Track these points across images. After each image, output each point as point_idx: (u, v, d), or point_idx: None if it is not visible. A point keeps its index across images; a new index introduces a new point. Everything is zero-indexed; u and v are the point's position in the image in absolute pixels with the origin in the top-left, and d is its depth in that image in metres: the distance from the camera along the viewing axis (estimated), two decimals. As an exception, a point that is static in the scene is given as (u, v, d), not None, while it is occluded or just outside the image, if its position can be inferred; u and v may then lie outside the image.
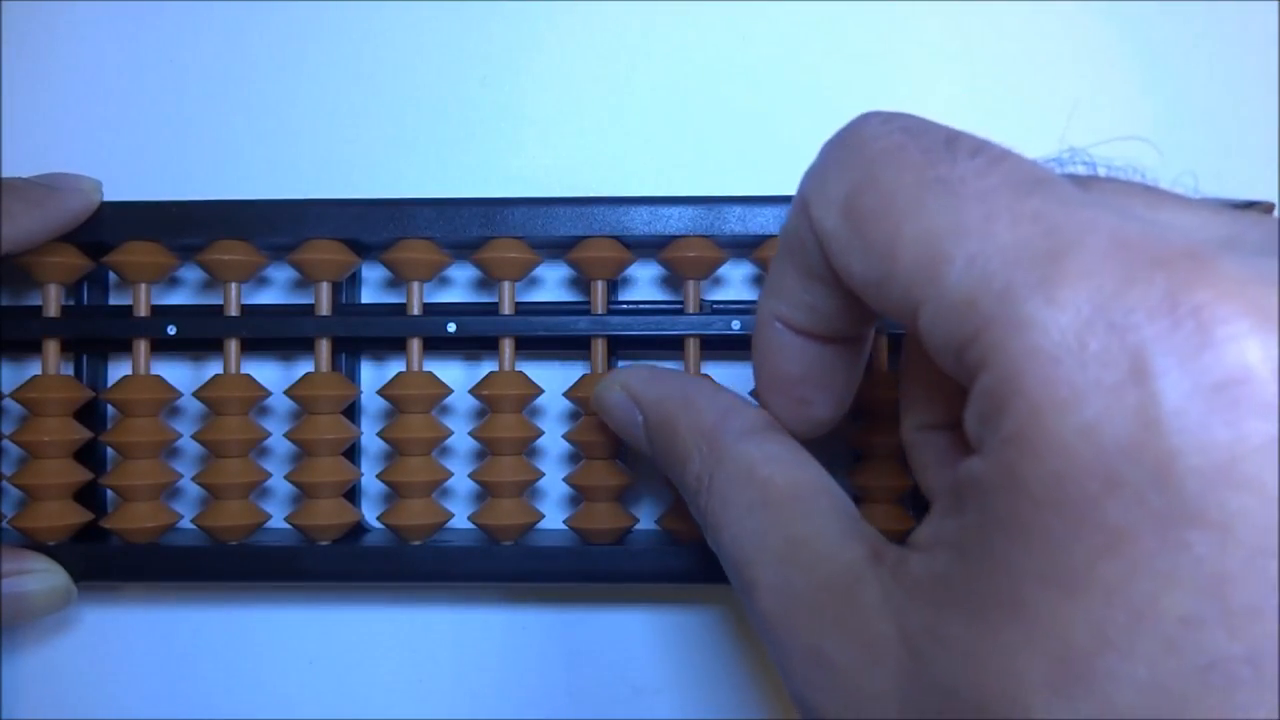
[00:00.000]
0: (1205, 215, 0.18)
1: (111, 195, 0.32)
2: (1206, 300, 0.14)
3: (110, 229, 0.32)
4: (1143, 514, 0.14)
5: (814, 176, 0.20)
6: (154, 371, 0.33)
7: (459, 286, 0.36)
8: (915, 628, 0.17)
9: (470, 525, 0.33)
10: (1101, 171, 0.20)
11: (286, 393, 0.33)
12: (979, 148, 0.17)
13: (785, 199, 0.32)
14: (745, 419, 0.24)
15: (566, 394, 0.33)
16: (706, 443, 0.23)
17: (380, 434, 0.33)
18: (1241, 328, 0.14)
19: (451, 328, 0.32)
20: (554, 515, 0.34)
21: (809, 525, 0.20)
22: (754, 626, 0.21)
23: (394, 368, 0.35)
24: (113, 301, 0.35)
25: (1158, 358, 0.14)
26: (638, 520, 0.33)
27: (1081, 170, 0.21)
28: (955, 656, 0.16)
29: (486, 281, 0.35)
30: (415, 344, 0.33)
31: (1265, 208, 0.25)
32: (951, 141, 0.18)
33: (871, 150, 0.18)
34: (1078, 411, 0.14)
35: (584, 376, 0.33)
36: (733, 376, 0.35)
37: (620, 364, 0.33)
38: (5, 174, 0.33)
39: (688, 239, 0.32)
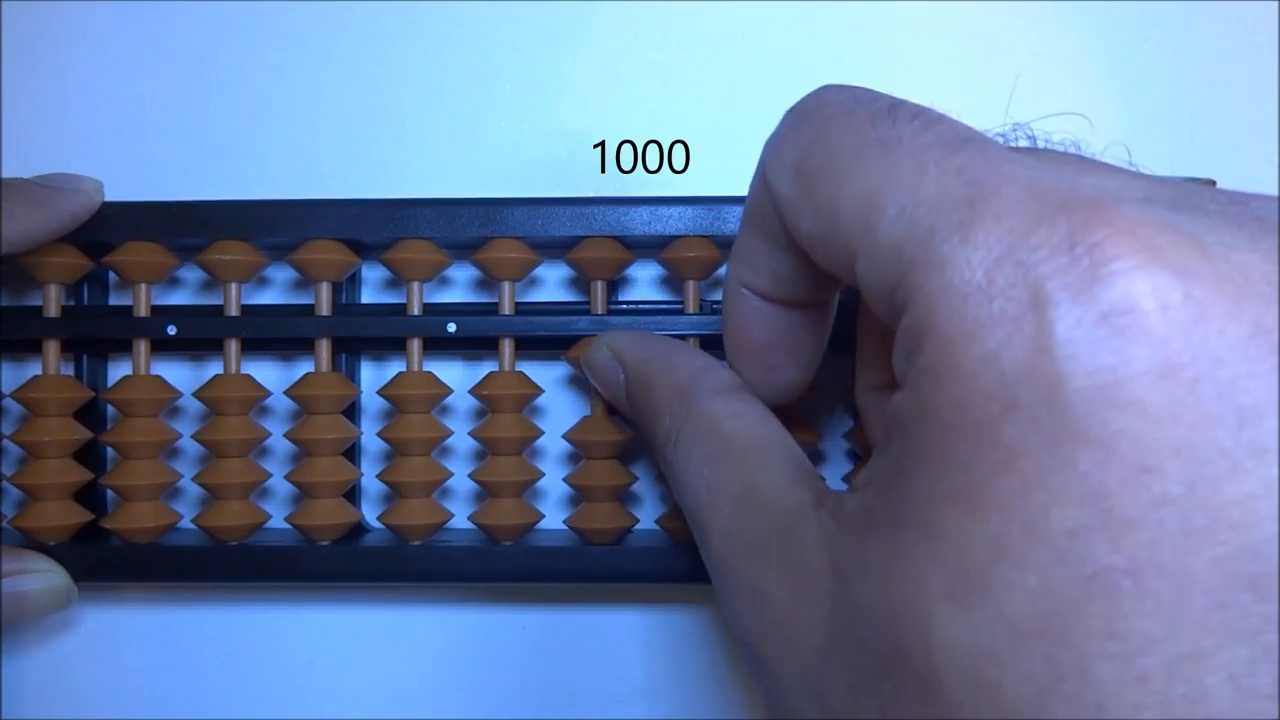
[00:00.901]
0: (1129, 178, 0.19)
1: (112, 195, 0.32)
2: (1101, 239, 0.15)
3: (110, 229, 0.32)
4: (1035, 433, 0.15)
5: (771, 142, 0.21)
6: (154, 371, 0.33)
7: (459, 286, 0.36)
8: (843, 558, 0.18)
9: (470, 525, 0.33)
10: (1041, 144, 0.22)
11: (286, 393, 0.33)
12: (918, 112, 0.19)
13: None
14: (716, 379, 0.25)
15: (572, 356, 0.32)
16: (678, 399, 0.25)
17: (380, 434, 0.33)
18: (1131, 264, 0.15)
19: (451, 328, 0.32)
20: (554, 515, 0.34)
21: (762, 474, 0.22)
22: (708, 570, 0.23)
23: (394, 368, 0.35)
24: (113, 301, 0.35)
25: (1055, 291, 0.15)
26: (638, 520, 0.33)
27: (1024, 143, 0.22)
28: (871, 578, 0.17)
29: (486, 281, 0.35)
30: (415, 344, 0.33)
31: (1205, 183, 0.25)
32: (895, 108, 0.19)
33: (823, 115, 0.20)
34: (981, 342, 0.15)
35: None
36: (733, 376, 0.35)
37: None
38: (5, 174, 0.33)
39: (688, 239, 0.32)
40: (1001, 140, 0.22)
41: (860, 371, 0.26)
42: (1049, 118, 0.22)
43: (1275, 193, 0.34)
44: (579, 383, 0.35)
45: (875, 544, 0.17)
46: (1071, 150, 0.21)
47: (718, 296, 0.35)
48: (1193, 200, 0.17)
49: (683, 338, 0.32)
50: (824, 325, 0.25)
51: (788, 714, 0.19)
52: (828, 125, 0.20)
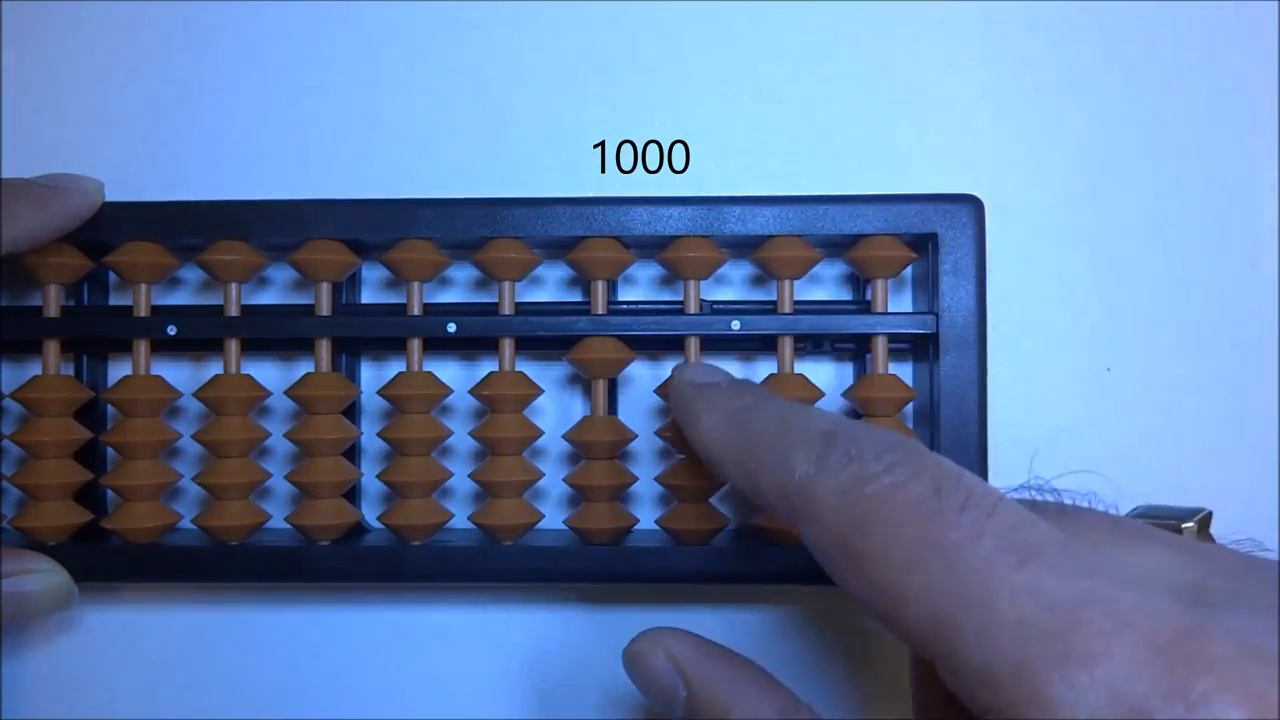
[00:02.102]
0: (1169, 554, 0.20)
1: (112, 195, 0.32)
2: (1210, 688, 0.16)
3: (111, 229, 0.32)
4: None
5: (797, 491, 0.21)
6: (154, 371, 0.33)
7: (459, 286, 0.36)
8: None
9: (470, 525, 0.33)
10: (1067, 501, 0.22)
11: (286, 393, 0.33)
12: (967, 499, 0.19)
13: (785, 199, 0.32)
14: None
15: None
16: None
17: (380, 434, 0.33)
18: (1240, 715, 0.15)
19: (451, 328, 0.32)
20: (554, 515, 0.34)
21: None
22: None
23: (394, 368, 0.35)
24: (113, 301, 0.35)
25: None
26: (638, 520, 0.33)
27: (1049, 498, 0.22)
28: None
29: (486, 281, 0.35)
30: (415, 344, 0.33)
31: (1204, 520, 0.26)
32: (940, 489, 0.19)
33: (862, 495, 0.20)
34: None
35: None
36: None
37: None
38: (6, 174, 0.33)
39: (688, 239, 0.32)
40: (1025, 493, 0.22)
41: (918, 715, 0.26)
42: (1064, 476, 0.22)
43: (1275, 193, 0.34)
44: (579, 383, 0.35)
45: None
46: (1097, 509, 0.22)
47: (718, 296, 0.35)
48: (1246, 594, 0.18)
49: (683, 337, 0.32)
50: None
51: None
52: (872, 510, 0.20)
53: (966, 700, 0.18)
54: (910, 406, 0.34)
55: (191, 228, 0.32)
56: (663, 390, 0.32)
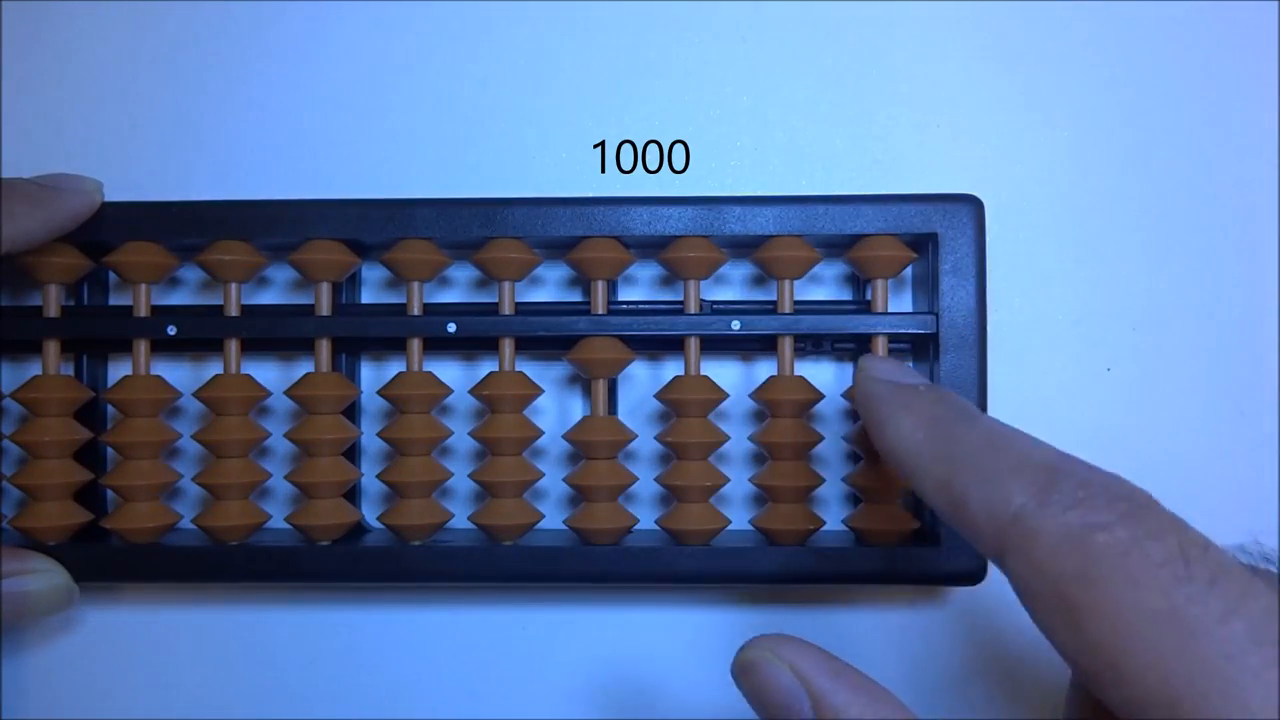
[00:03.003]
0: None
1: (111, 195, 0.32)
2: None
3: (110, 229, 0.32)
4: None
5: (1013, 528, 0.20)
6: (154, 371, 0.33)
7: (459, 286, 0.36)
8: None
9: (470, 525, 0.33)
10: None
11: (286, 393, 0.33)
12: (1216, 573, 0.18)
13: (785, 199, 0.32)
14: None
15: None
16: None
17: (380, 434, 0.33)
18: None
19: (451, 328, 0.32)
20: (554, 515, 0.34)
21: None
22: None
23: (394, 368, 0.35)
24: (113, 301, 0.35)
25: None
26: (638, 520, 0.33)
27: (1268, 568, 0.22)
28: None
29: (486, 281, 0.35)
30: (415, 344, 0.33)
31: None
32: (1187, 557, 0.18)
33: (1093, 543, 0.18)
34: None
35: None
36: (732, 376, 0.35)
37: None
38: (5, 174, 0.33)
39: (688, 239, 0.32)
40: (1239, 555, 0.21)
41: None
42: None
43: (1275, 193, 0.34)
44: (579, 382, 0.35)
45: None
46: None
47: (718, 296, 0.35)
48: None
49: (683, 337, 0.32)
50: None
51: None
52: (1104, 561, 0.18)
53: None
54: (910, 406, 0.34)
55: (191, 228, 0.32)
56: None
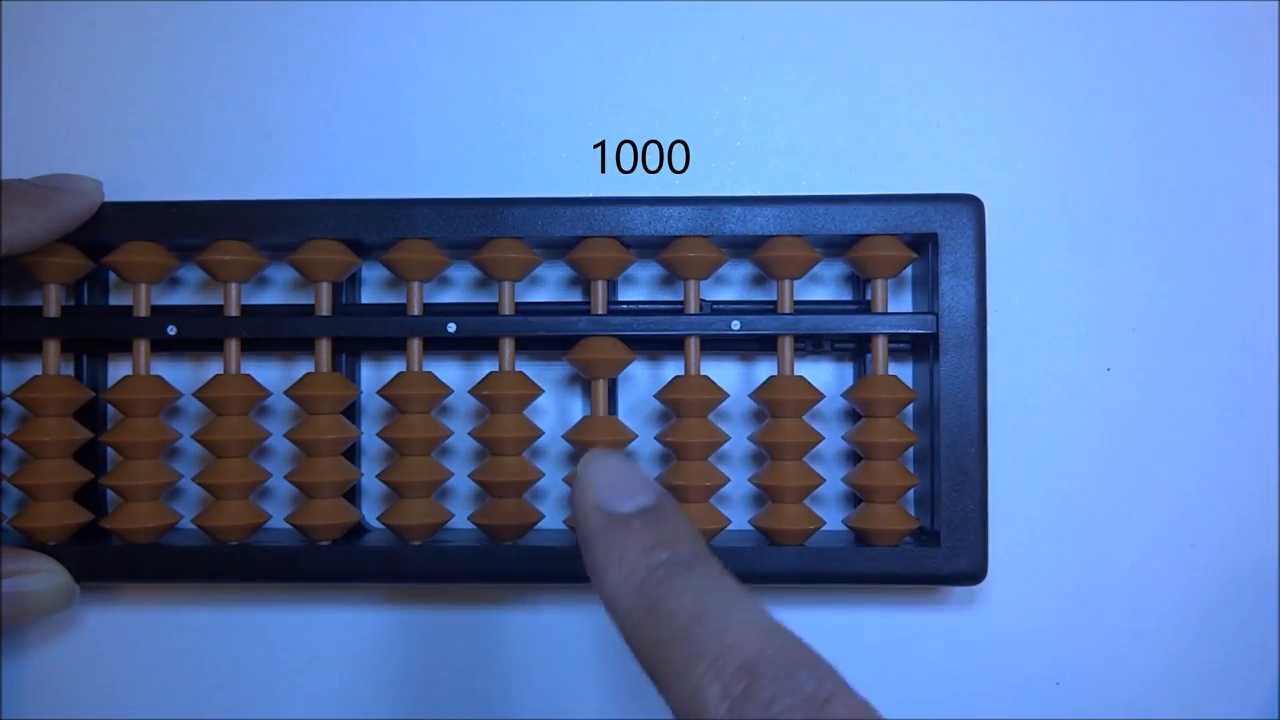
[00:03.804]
0: None
1: (112, 195, 0.32)
2: None
3: (110, 229, 0.32)
4: None
5: None
6: (154, 371, 0.33)
7: (459, 286, 0.36)
8: None
9: (470, 525, 0.33)
10: None
11: (286, 393, 0.33)
12: None
13: (785, 199, 0.32)
14: None
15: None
16: None
17: (380, 434, 0.33)
18: None
19: (451, 328, 0.32)
20: (554, 515, 0.34)
21: None
22: None
23: (394, 368, 0.35)
24: (113, 301, 0.35)
25: None
26: (638, 520, 0.33)
27: None
28: None
29: (486, 281, 0.35)
30: (415, 344, 0.33)
31: None
32: None
33: None
34: None
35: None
36: (732, 376, 0.35)
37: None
38: (6, 175, 0.33)
39: (688, 239, 0.32)
40: None
41: None
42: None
43: (1275, 193, 0.34)
44: (579, 382, 0.35)
45: None
46: None
47: (718, 296, 0.35)
48: None
49: (683, 337, 0.32)
50: None
51: None
52: None
53: None
54: (910, 407, 0.34)
55: (191, 228, 0.32)
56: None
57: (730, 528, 0.33)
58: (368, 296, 0.35)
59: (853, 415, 0.35)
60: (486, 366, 0.35)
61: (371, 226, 0.32)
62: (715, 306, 0.33)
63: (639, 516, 0.23)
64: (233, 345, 0.33)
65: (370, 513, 0.35)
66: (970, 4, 0.35)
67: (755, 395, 0.33)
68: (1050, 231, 0.35)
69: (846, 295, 0.35)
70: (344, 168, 0.35)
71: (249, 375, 0.33)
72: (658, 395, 0.33)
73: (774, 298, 0.33)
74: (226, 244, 0.32)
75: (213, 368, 0.34)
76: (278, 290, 0.36)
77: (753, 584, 0.32)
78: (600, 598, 0.23)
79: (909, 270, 0.34)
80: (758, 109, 0.35)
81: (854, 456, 0.34)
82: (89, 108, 0.35)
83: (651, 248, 0.33)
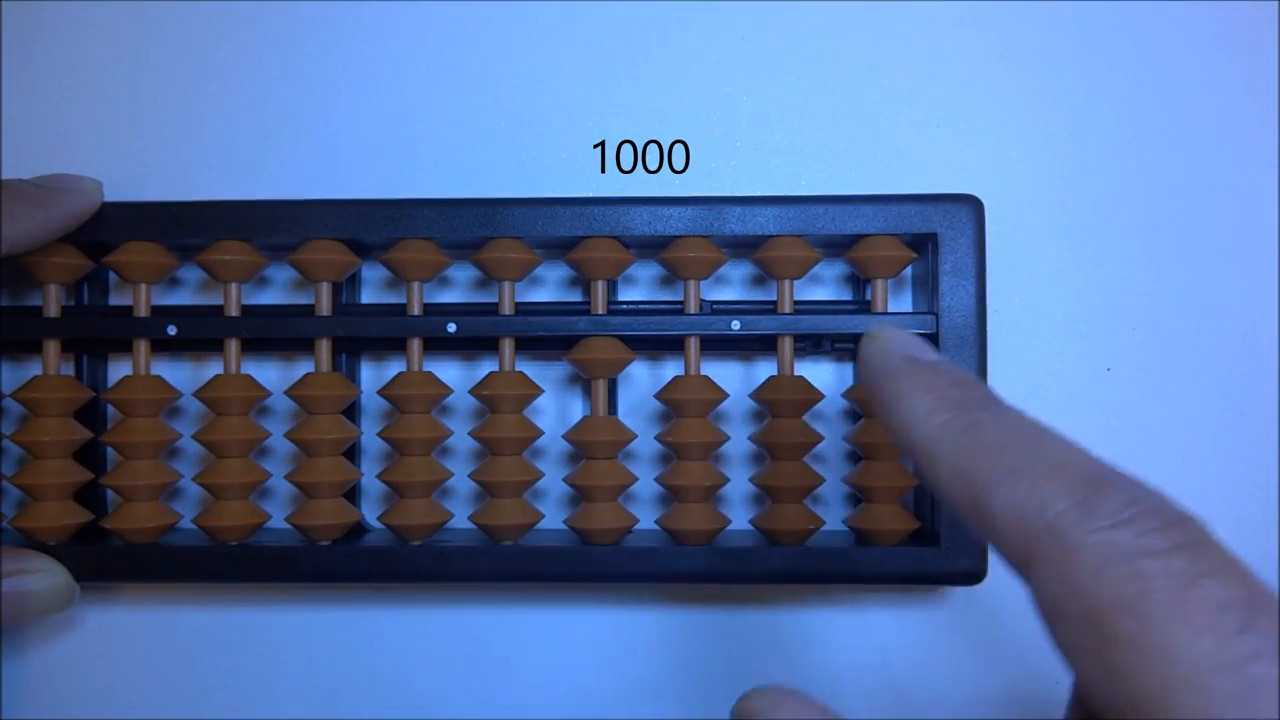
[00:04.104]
0: None
1: (112, 195, 0.32)
2: None
3: (110, 229, 0.32)
4: None
5: (1046, 537, 0.18)
6: (154, 371, 0.33)
7: (459, 286, 0.36)
8: None
9: (470, 525, 0.33)
10: None
11: (286, 393, 0.33)
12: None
13: (785, 199, 0.32)
14: None
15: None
16: None
17: (380, 434, 0.33)
18: None
19: (451, 328, 0.32)
20: (554, 515, 0.34)
21: None
22: None
23: (394, 368, 0.35)
24: (113, 301, 0.35)
25: None
26: (638, 520, 0.33)
27: None
28: None
29: (486, 281, 0.35)
30: (415, 344, 0.33)
31: None
32: (1253, 599, 0.16)
33: (1144, 571, 0.16)
34: None
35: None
36: (733, 376, 0.35)
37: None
38: (6, 175, 0.33)
39: (688, 239, 0.32)
40: None
41: None
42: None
43: (1275, 193, 0.34)
44: (579, 382, 0.35)
45: None
46: None
47: (717, 296, 0.35)
48: None
49: (683, 337, 0.32)
50: None
51: None
52: (1162, 590, 0.16)
53: None
54: (910, 406, 0.34)
55: (191, 228, 0.32)
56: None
57: (730, 528, 0.33)
58: (368, 296, 0.35)
59: (853, 415, 0.35)
60: (486, 366, 0.35)
61: (371, 226, 0.32)
62: (715, 306, 0.33)
63: (945, 366, 0.22)
64: (233, 345, 0.33)
65: (370, 513, 0.35)
66: (970, 4, 0.35)
67: (755, 395, 0.33)
68: (1050, 231, 0.35)
69: (846, 295, 0.35)
70: (344, 168, 0.35)
71: (249, 375, 0.33)
72: (658, 395, 0.33)
73: (774, 298, 0.33)
74: (226, 244, 0.32)
75: (213, 368, 0.34)
76: (278, 290, 0.36)
77: (753, 584, 0.33)
78: (894, 426, 0.21)
79: (909, 270, 0.34)
80: (758, 109, 0.35)
81: (854, 456, 0.34)
82: (89, 108, 0.35)
83: (651, 248, 0.33)
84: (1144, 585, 0.16)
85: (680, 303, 0.33)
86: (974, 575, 0.32)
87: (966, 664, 0.34)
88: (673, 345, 0.34)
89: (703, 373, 0.33)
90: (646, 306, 0.34)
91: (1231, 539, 0.22)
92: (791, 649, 0.34)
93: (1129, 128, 0.35)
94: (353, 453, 0.34)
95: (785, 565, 0.32)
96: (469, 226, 0.32)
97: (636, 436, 0.33)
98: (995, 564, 0.32)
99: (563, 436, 0.33)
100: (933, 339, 0.32)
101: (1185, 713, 0.16)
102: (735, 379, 0.35)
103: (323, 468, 0.32)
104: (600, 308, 0.32)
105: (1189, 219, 0.35)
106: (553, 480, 0.35)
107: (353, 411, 0.34)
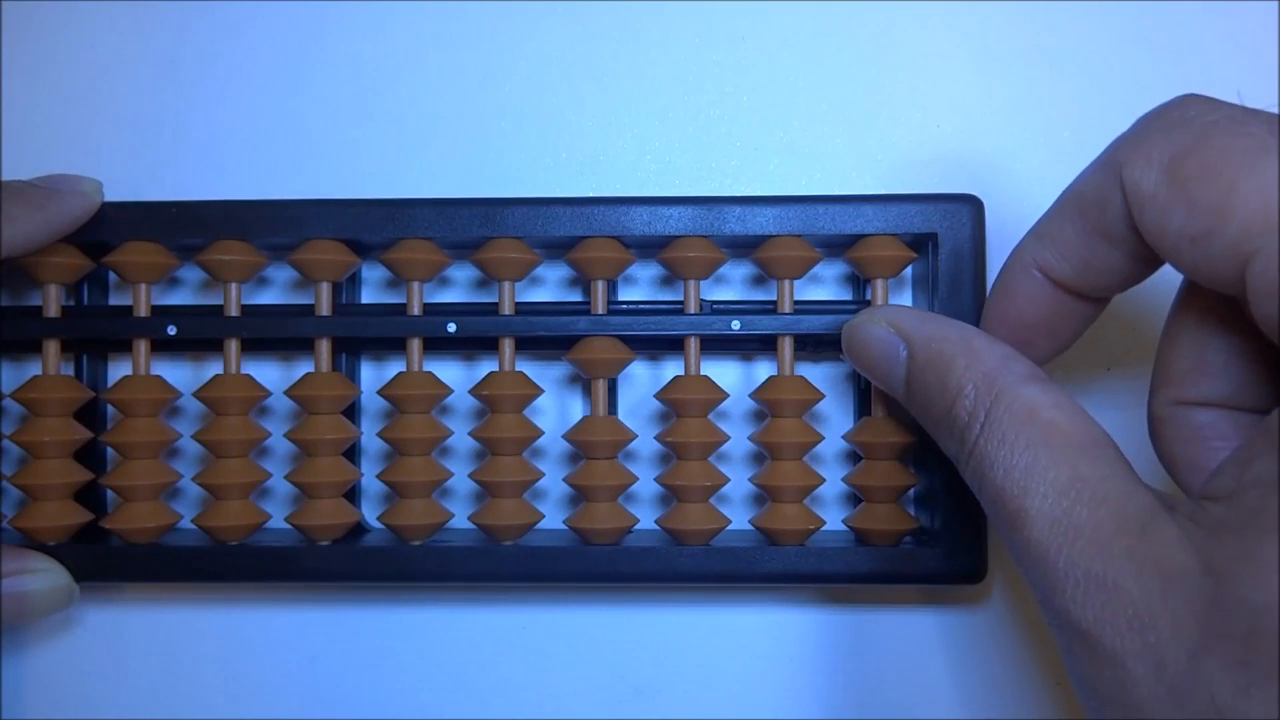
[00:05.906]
0: None
1: (111, 195, 0.32)
2: None
3: (110, 229, 0.32)
4: None
5: (1131, 142, 0.22)
6: (154, 371, 0.33)
7: (459, 286, 0.36)
8: (1221, 559, 0.19)
9: (470, 525, 0.33)
10: None
11: (286, 393, 0.33)
12: None
13: (785, 199, 0.32)
14: (1025, 366, 0.25)
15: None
16: (985, 382, 0.24)
17: (380, 434, 0.33)
18: None
19: (451, 328, 0.32)
20: (554, 515, 0.34)
21: (1096, 468, 0.22)
22: (1014, 554, 0.23)
23: (394, 368, 0.35)
24: (113, 301, 0.35)
25: None
26: (638, 520, 0.33)
27: None
28: (1268, 576, 0.18)
29: (486, 281, 0.35)
30: (415, 344, 0.33)
31: None
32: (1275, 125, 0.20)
33: (1200, 124, 0.21)
34: None
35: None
36: (733, 377, 0.35)
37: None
38: (5, 175, 0.33)
39: (688, 239, 0.32)
40: None
41: (1164, 384, 0.26)
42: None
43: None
44: (579, 382, 0.35)
45: (1270, 545, 0.18)
46: None
47: (717, 296, 0.35)
48: None
49: (683, 337, 0.32)
50: (1093, 318, 0.26)
51: (1134, 710, 0.20)
52: (1209, 131, 0.21)
53: (1265, 299, 0.19)
54: (910, 406, 0.34)
55: (191, 228, 0.32)
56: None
57: (730, 528, 0.33)
58: (368, 296, 0.35)
59: (852, 415, 0.35)
60: (486, 366, 0.35)
61: (371, 226, 0.32)
62: (715, 306, 0.33)
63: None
64: (233, 345, 0.33)
65: (370, 513, 0.35)
66: (970, 4, 0.35)
67: (755, 395, 0.33)
68: (1050, 231, 0.34)
69: (846, 295, 0.35)
70: (344, 168, 0.35)
71: (249, 375, 0.33)
72: (658, 395, 0.33)
73: (774, 298, 0.33)
74: (226, 244, 0.32)
75: (213, 368, 0.34)
76: (278, 290, 0.36)
77: (753, 584, 0.33)
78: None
79: (909, 270, 0.34)
80: (758, 109, 0.35)
81: (854, 456, 0.34)
82: (89, 108, 0.35)
83: (651, 248, 0.33)
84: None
85: (680, 303, 0.33)
86: (974, 575, 0.32)
87: (966, 664, 0.34)
88: (673, 345, 0.34)
89: (703, 373, 0.33)
90: (646, 306, 0.34)
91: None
92: (792, 649, 0.34)
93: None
94: (353, 453, 0.34)
95: (785, 565, 0.32)
96: (469, 226, 0.32)
97: (636, 436, 0.33)
98: (995, 564, 0.32)
99: (563, 436, 0.33)
100: (933, 339, 0.32)
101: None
102: (735, 379, 0.35)
103: (323, 468, 0.32)
104: (600, 307, 0.32)
105: (1189, 219, 0.34)
106: (553, 480, 0.35)
107: (353, 411, 0.34)
